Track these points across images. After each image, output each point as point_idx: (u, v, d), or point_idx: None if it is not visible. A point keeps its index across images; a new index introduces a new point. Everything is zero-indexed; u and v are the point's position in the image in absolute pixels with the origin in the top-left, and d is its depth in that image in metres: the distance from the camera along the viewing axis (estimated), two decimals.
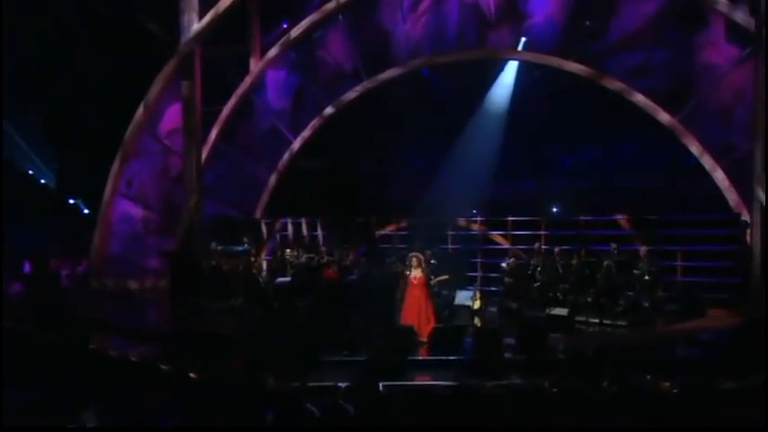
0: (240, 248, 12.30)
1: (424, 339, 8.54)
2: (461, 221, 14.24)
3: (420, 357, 8.19)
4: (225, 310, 10.52)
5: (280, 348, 7.57)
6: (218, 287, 11.04)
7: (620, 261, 10.93)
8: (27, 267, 13.13)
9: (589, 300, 10.59)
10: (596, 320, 10.34)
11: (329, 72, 15.51)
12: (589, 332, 10.09)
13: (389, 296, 9.02)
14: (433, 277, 9.89)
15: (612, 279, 10.55)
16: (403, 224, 14.35)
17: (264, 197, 16.08)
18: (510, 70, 15.35)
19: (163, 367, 6.45)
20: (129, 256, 14.31)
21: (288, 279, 10.70)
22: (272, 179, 16.03)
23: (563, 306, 10.41)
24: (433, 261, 11.13)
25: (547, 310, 10.34)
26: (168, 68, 13.84)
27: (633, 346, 8.86)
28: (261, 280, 10.92)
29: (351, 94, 15.28)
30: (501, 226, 13.86)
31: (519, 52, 14.30)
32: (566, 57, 13.52)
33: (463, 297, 10.87)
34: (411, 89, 14.92)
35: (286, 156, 15.93)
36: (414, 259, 9.06)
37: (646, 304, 10.34)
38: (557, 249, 11.67)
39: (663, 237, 11.94)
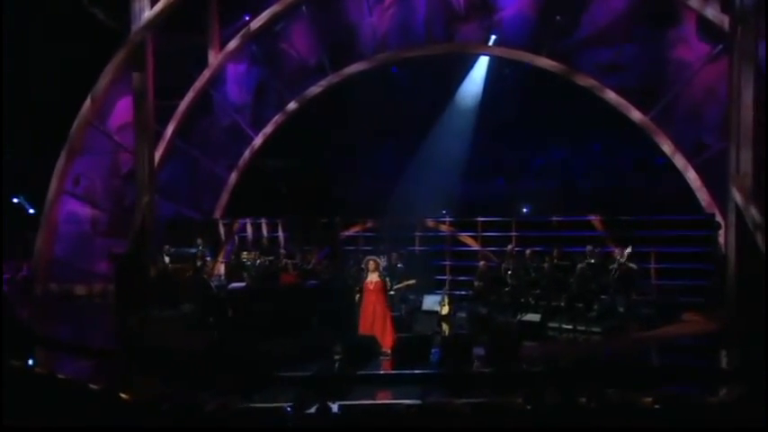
0: (193, 251, 11.54)
1: (387, 351, 7.92)
2: (429, 222, 13.86)
3: (381, 372, 7.58)
4: (173, 319, 9.78)
5: (229, 363, 6.93)
6: (166, 293, 10.30)
7: (593, 264, 10.55)
8: None
9: (562, 304, 10.18)
10: (570, 326, 9.96)
11: (292, 66, 15.03)
12: (563, 340, 9.68)
13: (351, 303, 8.39)
14: (393, 283, 9.30)
15: (587, 282, 10.16)
16: (369, 225, 13.93)
17: (224, 197, 15.43)
18: (480, 67, 14.99)
19: (92, 387, 5.94)
20: (76, 259, 13.64)
21: (242, 284, 10.02)
22: (233, 178, 15.42)
23: (535, 311, 10.03)
24: (399, 264, 10.65)
25: (518, 316, 9.93)
26: (117, 59, 13.11)
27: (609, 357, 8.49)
28: (213, 285, 10.19)
29: (315, 89, 14.79)
30: (470, 227, 13.48)
31: (489, 47, 14.01)
32: (536, 52, 13.24)
33: (431, 302, 10.46)
34: (378, 84, 14.48)
35: (247, 153, 15.34)
36: (371, 263, 8.41)
37: (621, 309, 9.97)
38: (528, 251, 11.28)
39: (635, 238, 11.62)
